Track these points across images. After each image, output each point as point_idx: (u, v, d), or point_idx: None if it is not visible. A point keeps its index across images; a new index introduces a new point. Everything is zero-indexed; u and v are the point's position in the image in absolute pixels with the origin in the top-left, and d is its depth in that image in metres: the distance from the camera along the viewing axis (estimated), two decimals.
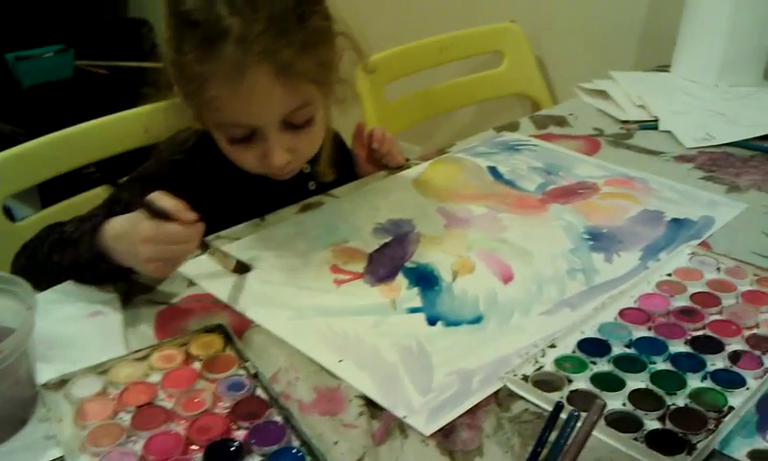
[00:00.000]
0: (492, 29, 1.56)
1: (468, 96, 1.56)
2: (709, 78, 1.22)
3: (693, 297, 0.71)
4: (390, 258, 0.78)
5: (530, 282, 0.74)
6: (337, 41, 0.82)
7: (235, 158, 0.83)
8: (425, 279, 0.74)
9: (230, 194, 0.86)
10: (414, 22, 1.86)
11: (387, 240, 0.81)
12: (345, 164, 0.98)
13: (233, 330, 0.66)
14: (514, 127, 1.11)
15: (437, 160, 1.00)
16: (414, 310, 0.69)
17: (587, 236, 0.82)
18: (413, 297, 0.71)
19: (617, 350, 0.64)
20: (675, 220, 0.85)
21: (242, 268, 0.76)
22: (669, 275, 0.74)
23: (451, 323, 0.68)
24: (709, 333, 0.65)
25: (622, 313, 0.68)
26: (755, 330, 0.66)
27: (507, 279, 0.74)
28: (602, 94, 1.21)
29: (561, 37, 1.63)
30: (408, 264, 0.77)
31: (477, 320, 0.68)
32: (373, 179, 0.96)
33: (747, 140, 1.04)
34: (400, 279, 0.74)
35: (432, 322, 0.68)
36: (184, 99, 0.80)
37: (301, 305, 0.70)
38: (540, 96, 1.60)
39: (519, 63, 1.57)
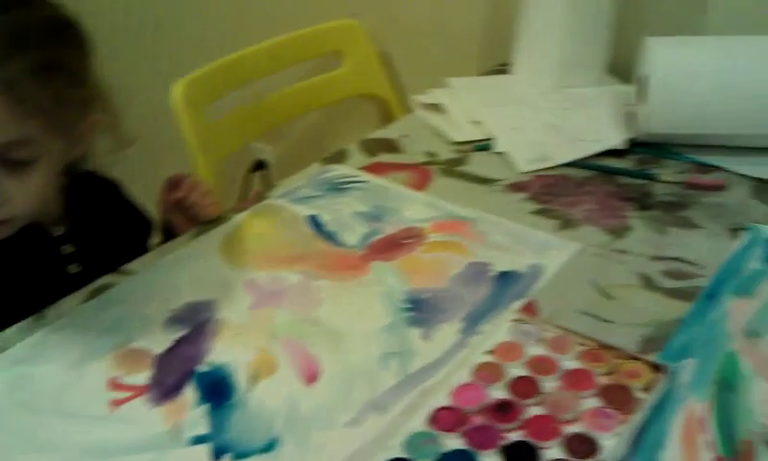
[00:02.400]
0: (329, 27, 1.46)
1: (308, 102, 1.46)
2: (548, 80, 1.16)
3: (512, 384, 0.64)
4: (181, 361, 0.68)
5: (338, 380, 0.66)
6: (96, 104, 0.77)
7: None
8: (217, 391, 0.65)
9: None
10: (245, 27, 1.71)
11: (181, 334, 0.71)
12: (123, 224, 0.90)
13: None
14: (341, 157, 1.02)
15: (252, 212, 0.90)
16: (199, 440, 0.60)
17: (406, 306, 0.74)
18: (200, 419, 0.62)
19: None
20: (502, 274, 0.78)
21: None
22: (490, 352, 0.68)
23: (240, 454, 0.59)
24: (524, 438, 0.59)
25: (433, 417, 0.61)
26: (574, 426, 0.60)
27: (311, 377, 0.66)
28: (439, 108, 1.13)
29: (407, 34, 1.54)
30: (202, 368, 0.67)
31: (270, 446, 0.59)
32: (179, 244, 0.85)
33: (584, 159, 0.99)
34: (189, 393, 0.65)
35: (219, 454, 0.59)
36: None
37: (66, 445, 0.60)
38: (389, 96, 1.51)
39: (362, 63, 1.47)
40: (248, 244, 0.84)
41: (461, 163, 1.00)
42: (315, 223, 0.88)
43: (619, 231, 0.84)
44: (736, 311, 0.72)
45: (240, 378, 0.66)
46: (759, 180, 0.93)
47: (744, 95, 0.93)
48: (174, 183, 0.90)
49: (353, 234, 0.86)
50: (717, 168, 0.96)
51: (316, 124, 1.77)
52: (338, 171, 0.98)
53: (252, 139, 1.43)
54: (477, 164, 1.00)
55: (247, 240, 0.85)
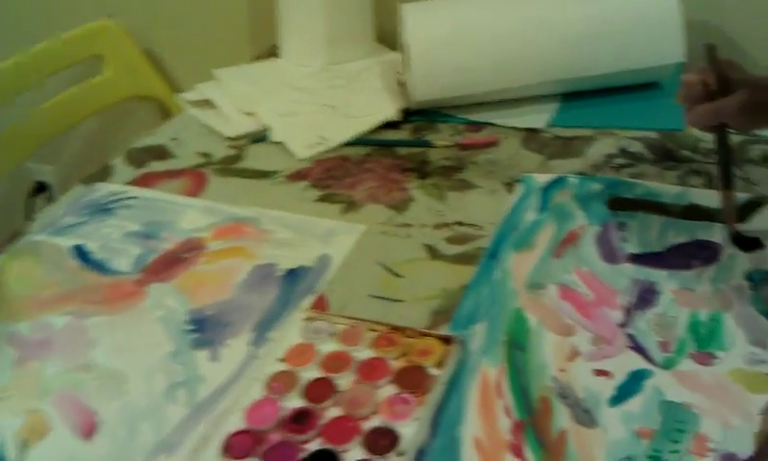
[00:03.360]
0: (83, 32, 1.35)
1: (75, 113, 1.36)
2: (317, 58, 1.13)
3: (307, 390, 0.61)
4: None
5: (120, 427, 0.60)
6: None
7: None
8: None
9: None
10: None
11: None
12: None
13: None
14: (106, 174, 0.94)
15: (8, 255, 0.80)
16: None
17: (190, 327, 0.69)
18: None
19: None
20: (289, 272, 0.75)
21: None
22: (282, 359, 0.65)
23: None
24: (323, 445, 0.57)
25: (227, 444, 0.57)
26: (373, 421, 0.58)
27: (89, 431, 0.60)
28: (210, 103, 1.07)
29: (171, 28, 1.46)
30: None
31: None
32: None
33: (361, 135, 0.97)
34: None
35: None
36: None
37: None
38: (165, 96, 1.43)
39: (126, 64, 1.39)
40: (5, 292, 0.75)
41: (237, 160, 0.95)
42: (81, 254, 0.80)
43: (402, 205, 0.84)
44: (518, 266, 0.73)
45: (9, 448, 0.58)
46: (528, 129, 0.95)
47: (502, 50, 0.95)
48: None
49: (126, 259, 0.79)
50: (488, 124, 0.97)
51: (96, 133, 1.66)
52: (103, 190, 0.90)
53: (20, 162, 1.31)
54: (255, 158, 0.95)
55: (4, 288, 0.76)
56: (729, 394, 0.57)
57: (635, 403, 0.57)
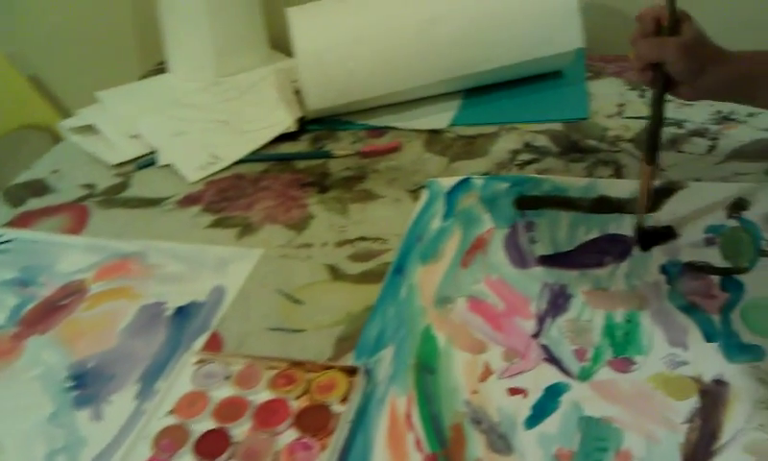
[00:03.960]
0: None
1: None
2: (206, 71, 1.06)
3: (198, 445, 0.55)
4: None
5: None
6: None
7: None
8: None
9: None
10: None
11: None
12: None
13: None
14: None
15: None
16: None
17: (70, 384, 0.62)
18: None
19: None
20: (179, 310, 0.69)
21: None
22: (171, 411, 0.58)
23: None
24: None
25: None
26: None
27: None
28: (92, 129, 0.99)
29: (55, 53, 1.36)
30: None
31: None
32: None
33: (257, 151, 0.91)
34: None
35: None
36: None
37: None
38: (53, 122, 1.34)
39: (10, 92, 1.29)
40: None
41: (123, 189, 0.88)
42: None
43: (301, 224, 0.78)
44: (425, 280, 0.68)
45: None
46: (430, 131, 0.91)
47: (394, 49, 0.90)
48: None
49: (1, 311, 0.71)
50: (390, 129, 0.93)
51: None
52: None
53: None
54: (141, 185, 0.88)
55: None
56: (651, 403, 0.54)
57: (552, 423, 0.53)
